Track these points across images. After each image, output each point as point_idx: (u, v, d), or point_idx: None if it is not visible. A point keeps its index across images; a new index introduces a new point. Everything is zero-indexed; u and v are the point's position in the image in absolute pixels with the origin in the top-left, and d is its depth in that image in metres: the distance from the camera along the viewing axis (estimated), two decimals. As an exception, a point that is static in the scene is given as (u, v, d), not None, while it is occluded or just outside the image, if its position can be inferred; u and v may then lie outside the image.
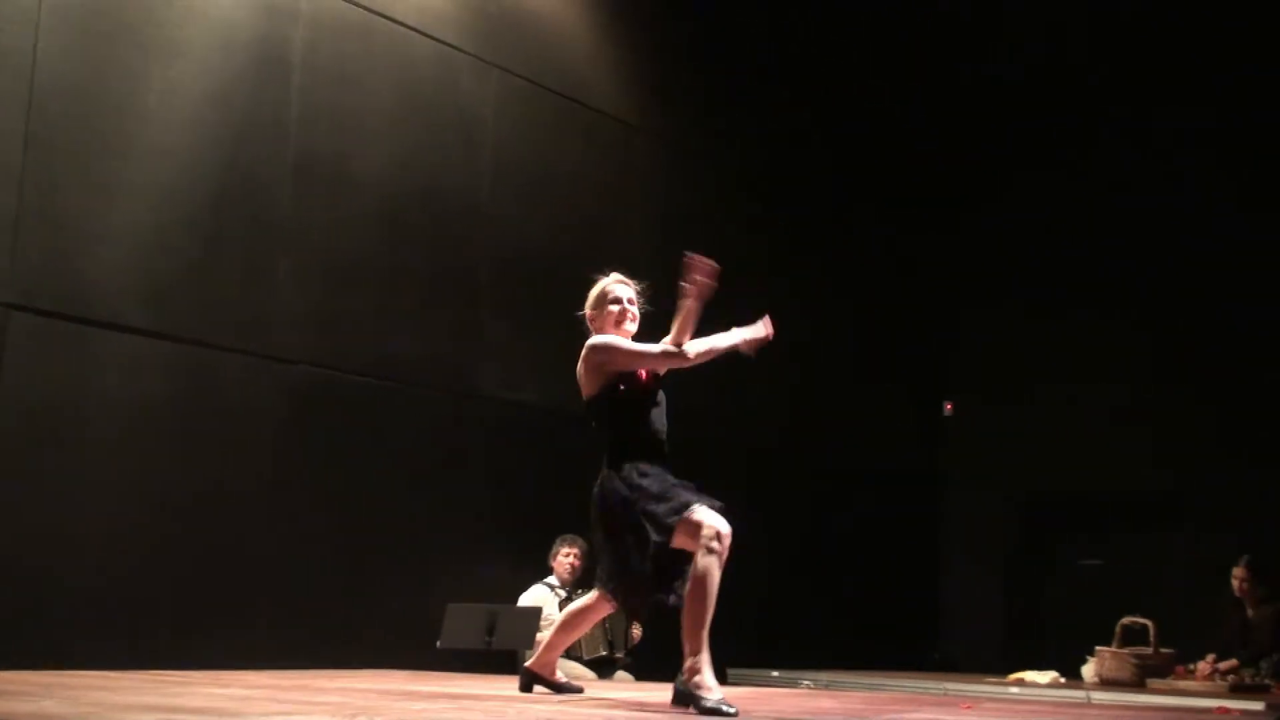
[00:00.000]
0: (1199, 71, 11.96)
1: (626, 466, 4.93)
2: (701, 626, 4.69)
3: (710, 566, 4.68)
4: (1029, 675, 8.81)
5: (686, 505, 4.78)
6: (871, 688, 8.26)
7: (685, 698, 4.67)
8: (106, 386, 6.88)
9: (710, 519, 4.74)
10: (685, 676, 4.69)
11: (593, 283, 5.42)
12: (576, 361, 5.18)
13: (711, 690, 4.61)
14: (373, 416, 8.13)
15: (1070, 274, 12.65)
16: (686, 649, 4.69)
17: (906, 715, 5.09)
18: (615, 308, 5.30)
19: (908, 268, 13.11)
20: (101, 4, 7.02)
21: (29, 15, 6.72)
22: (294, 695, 4.88)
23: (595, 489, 4.97)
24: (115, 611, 6.67)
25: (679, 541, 4.78)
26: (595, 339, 5.19)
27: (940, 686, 8.14)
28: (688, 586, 4.73)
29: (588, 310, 5.35)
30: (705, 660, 4.67)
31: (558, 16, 9.59)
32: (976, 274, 13.37)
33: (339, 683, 5.81)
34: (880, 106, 12.68)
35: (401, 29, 8.49)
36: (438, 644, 7.21)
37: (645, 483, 4.87)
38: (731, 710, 4.50)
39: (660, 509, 4.79)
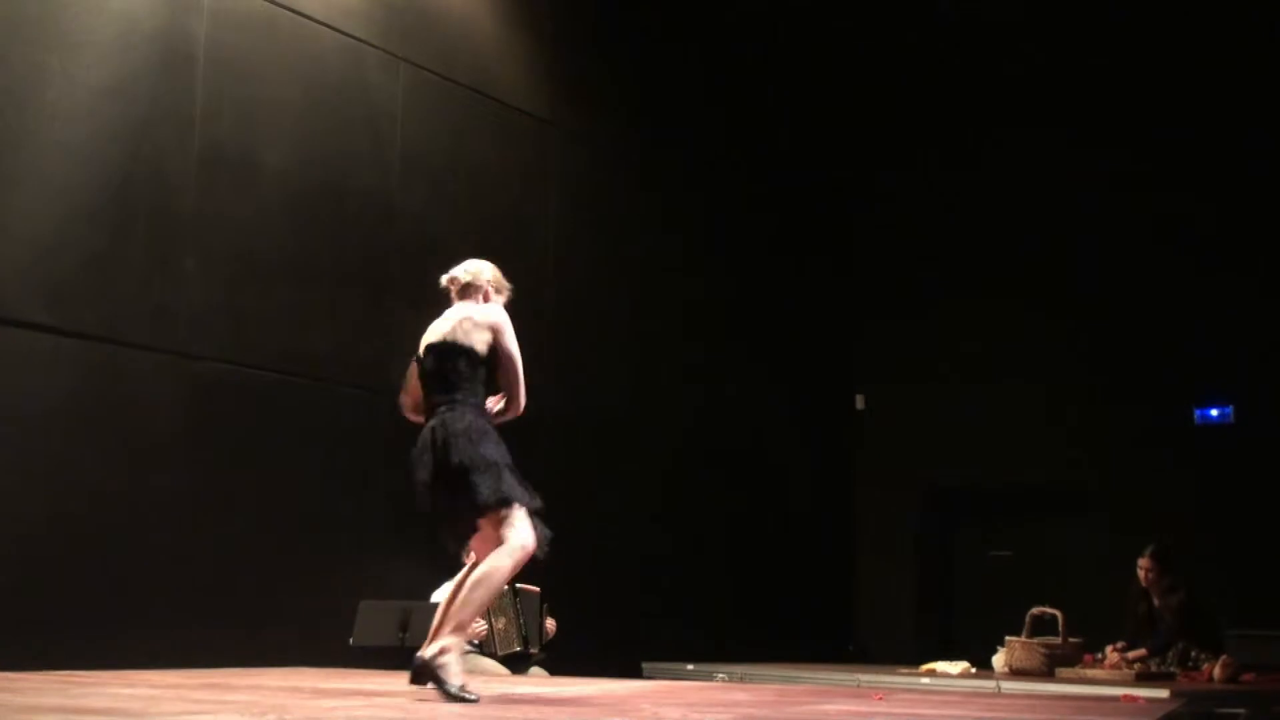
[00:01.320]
0: (1110, 68, 12.14)
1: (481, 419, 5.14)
2: (474, 616, 4.95)
3: (504, 567, 4.92)
4: (940, 666, 8.90)
5: (512, 500, 4.99)
6: (785, 680, 8.29)
7: (427, 675, 4.76)
8: (8, 384, 6.73)
9: (524, 530, 4.96)
10: (434, 654, 4.76)
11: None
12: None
13: (456, 676, 4.73)
14: (282, 412, 8.03)
15: (982, 267, 12.78)
16: (448, 628, 4.82)
17: (818, 706, 5.12)
18: (504, 297, 5.56)
19: (821, 260, 13.19)
20: (-1, -6, 6.88)
21: (-77, 5, 6.57)
22: (202, 694, 4.81)
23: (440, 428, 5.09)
24: (19, 611, 6.51)
25: (485, 523, 5.00)
26: (503, 315, 5.39)
27: (853, 678, 8.19)
28: (475, 575, 4.91)
29: (489, 283, 5.54)
30: (459, 644, 4.82)
31: (466, 10, 9.52)
32: (890, 267, 13.45)
33: (249, 681, 5.74)
34: (791, 97, 12.74)
35: (307, 22, 8.38)
36: (350, 641, 7.14)
37: (491, 446, 5.05)
38: (473, 697, 4.63)
39: (490, 482, 4.96)
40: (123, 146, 7.33)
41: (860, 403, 13.45)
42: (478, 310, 5.38)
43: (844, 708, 5.11)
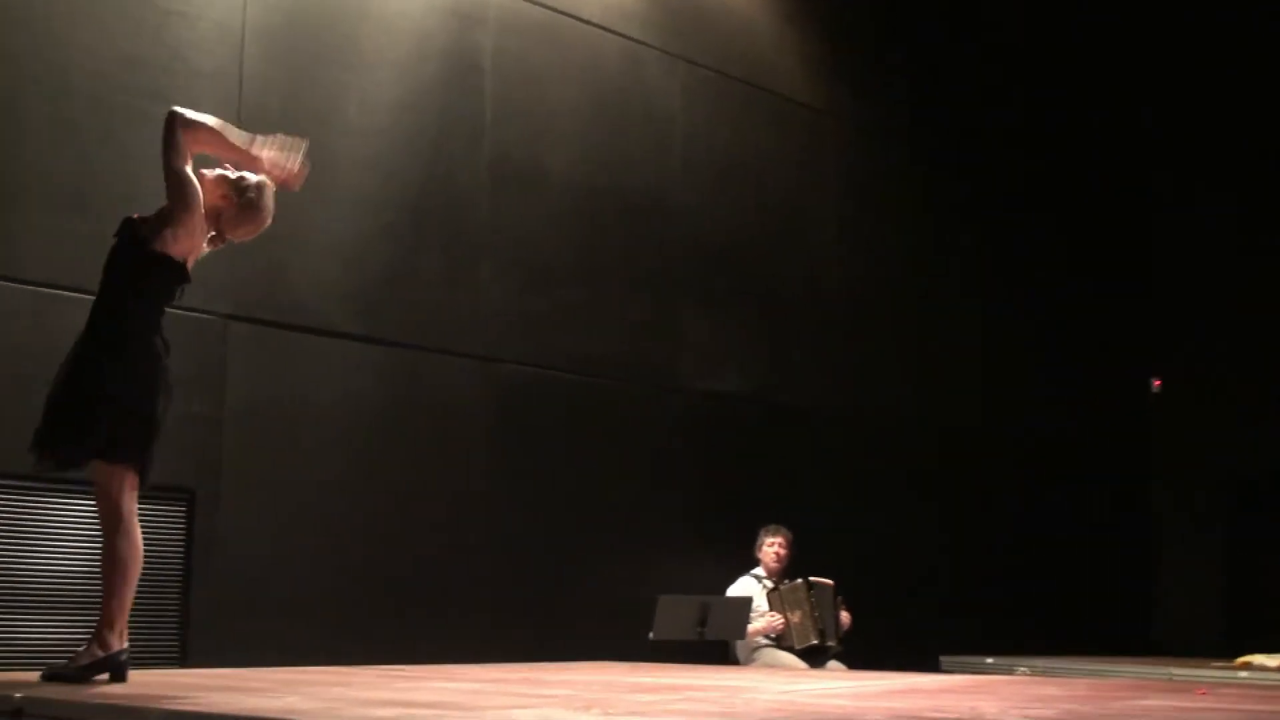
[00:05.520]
0: None
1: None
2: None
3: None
4: (1258, 658, 8.50)
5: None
6: (1091, 674, 8.05)
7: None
8: (320, 391, 7.07)
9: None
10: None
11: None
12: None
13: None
14: (578, 412, 8.22)
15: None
16: None
17: (1138, 701, 4.96)
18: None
19: (1118, 243, 12.76)
20: (301, 21, 7.19)
21: (232, 38, 6.91)
22: (522, 688, 4.94)
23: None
24: (337, 608, 6.83)
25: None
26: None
27: (1165, 671, 7.91)
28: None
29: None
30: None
31: (741, 4, 9.54)
32: (1187, 247, 12.95)
33: (562, 675, 5.86)
34: (1083, 81, 12.33)
35: (587, 27, 8.54)
36: (650, 635, 7.24)
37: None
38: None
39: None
40: (418, 160, 7.62)
41: (1156, 385, 13.00)
42: None
43: (1165, 702, 4.94)
